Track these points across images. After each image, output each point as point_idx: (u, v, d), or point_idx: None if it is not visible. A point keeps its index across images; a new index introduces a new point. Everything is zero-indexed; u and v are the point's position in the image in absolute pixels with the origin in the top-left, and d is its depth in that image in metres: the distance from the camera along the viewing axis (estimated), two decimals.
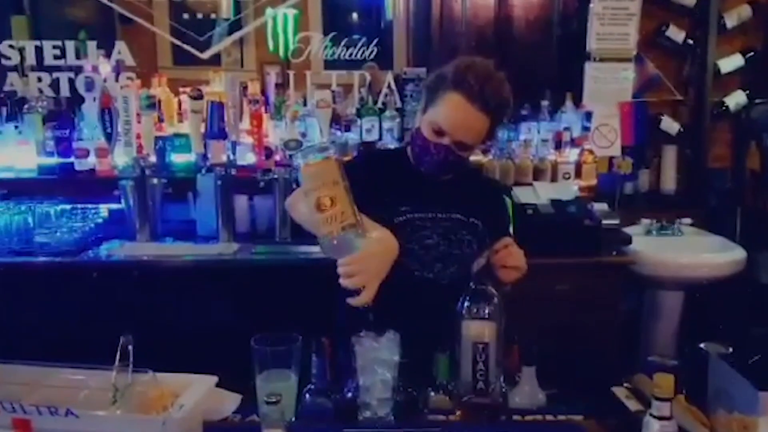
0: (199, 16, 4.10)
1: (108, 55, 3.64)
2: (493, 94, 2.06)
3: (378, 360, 1.70)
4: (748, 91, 4.17)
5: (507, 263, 2.04)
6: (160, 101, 3.70)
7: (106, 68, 3.64)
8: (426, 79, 2.28)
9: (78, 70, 3.61)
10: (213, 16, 4.05)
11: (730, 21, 4.06)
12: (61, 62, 3.62)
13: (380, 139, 3.69)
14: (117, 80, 3.63)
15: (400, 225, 2.14)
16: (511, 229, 2.47)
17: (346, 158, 3.22)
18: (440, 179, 2.22)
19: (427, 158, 2.15)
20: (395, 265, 2.07)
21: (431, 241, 2.18)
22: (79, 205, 3.43)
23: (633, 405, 1.80)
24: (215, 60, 4.07)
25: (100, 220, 3.42)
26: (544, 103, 3.85)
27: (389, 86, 3.74)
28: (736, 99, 4.16)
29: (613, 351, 3.15)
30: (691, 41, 4.11)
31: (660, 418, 1.48)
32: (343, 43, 3.85)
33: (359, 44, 3.82)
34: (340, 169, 1.80)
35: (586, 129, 3.81)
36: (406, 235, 2.13)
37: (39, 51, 3.61)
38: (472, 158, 3.52)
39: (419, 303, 2.03)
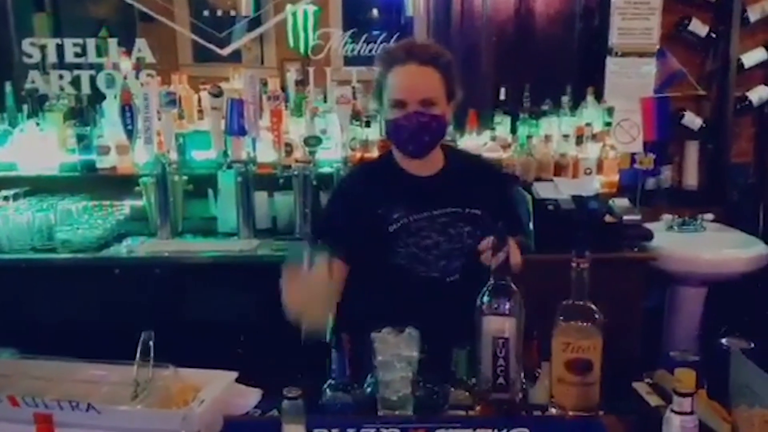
0: (219, 13, 4.11)
1: (128, 53, 3.66)
2: (423, 49, 2.17)
3: (398, 356, 1.70)
4: None
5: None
6: (180, 98, 3.70)
7: (126, 65, 3.66)
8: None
9: (99, 67, 3.63)
10: (233, 13, 4.06)
11: (754, 15, 4.01)
12: (82, 60, 3.65)
13: None
14: (137, 77, 3.66)
15: (396, 232, 2.17)
16: (523, 216, 2.45)
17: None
18: (430, 175, 2.23)
19: (407, 134, 2.16)
20: (402, 270, 2.11)
21: (430, 241, 2.19)
22: (100, 202, 3.45)
23: (654, 400, 1.79)
24: (235, 57, 4.08)
25: (121, 217, 3.44)
26: (565, 98, 3.81)
27: None
28: (759, 93, 4.11)
29: (634, 346, 3.12)
30: (713, 35, 4.06)
31: (681, 413, 1.47)
32: (363, 39, 3.86)
33: (379, 40, 3.81)
34: None
35: (607, 124, 3.77)
36: (403, 240, 2.15)
37: (60, 48, 3.64)
38: (491, 154, 3.54)
39: (433, 302, 2.04)
